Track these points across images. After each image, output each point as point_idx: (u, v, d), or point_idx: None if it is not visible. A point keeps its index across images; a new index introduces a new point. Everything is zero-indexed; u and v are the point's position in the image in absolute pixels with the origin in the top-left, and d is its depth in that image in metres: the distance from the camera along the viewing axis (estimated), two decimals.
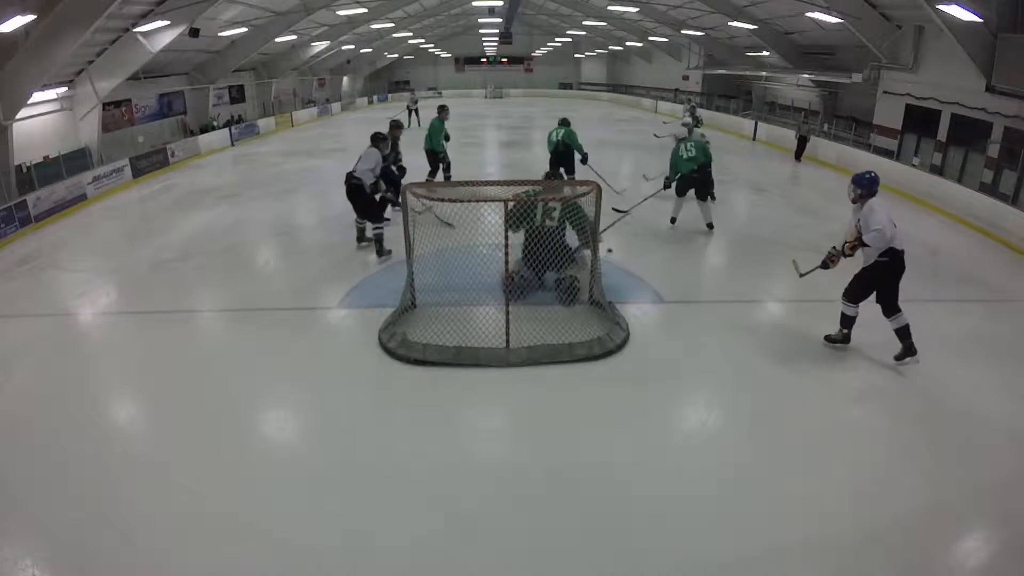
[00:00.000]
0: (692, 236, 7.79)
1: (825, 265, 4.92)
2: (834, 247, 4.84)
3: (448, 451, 3.67)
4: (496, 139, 17.50)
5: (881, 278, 4.58)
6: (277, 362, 4.78)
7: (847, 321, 4.84)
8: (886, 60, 12.33)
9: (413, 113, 20.05)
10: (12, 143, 9.83)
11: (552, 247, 5.36)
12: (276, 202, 10.08)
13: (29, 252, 7.90)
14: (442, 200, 4.97)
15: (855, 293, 4.73)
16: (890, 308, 4.59)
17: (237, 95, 20.94)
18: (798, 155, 13.89)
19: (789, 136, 15.41)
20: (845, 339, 4.91)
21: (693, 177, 7.61)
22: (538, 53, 38.24)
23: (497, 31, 25.19)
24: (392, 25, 23.22)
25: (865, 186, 4.73)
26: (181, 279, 6.61)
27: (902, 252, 4.53)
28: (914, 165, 11.04)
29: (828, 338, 4.97)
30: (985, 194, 8.94)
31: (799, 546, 2.92)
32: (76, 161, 11.49)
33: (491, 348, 4.65)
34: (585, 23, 26.19)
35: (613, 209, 7.20)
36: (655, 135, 16.21)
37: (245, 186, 11.68)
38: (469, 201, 4.87)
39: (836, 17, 11.58)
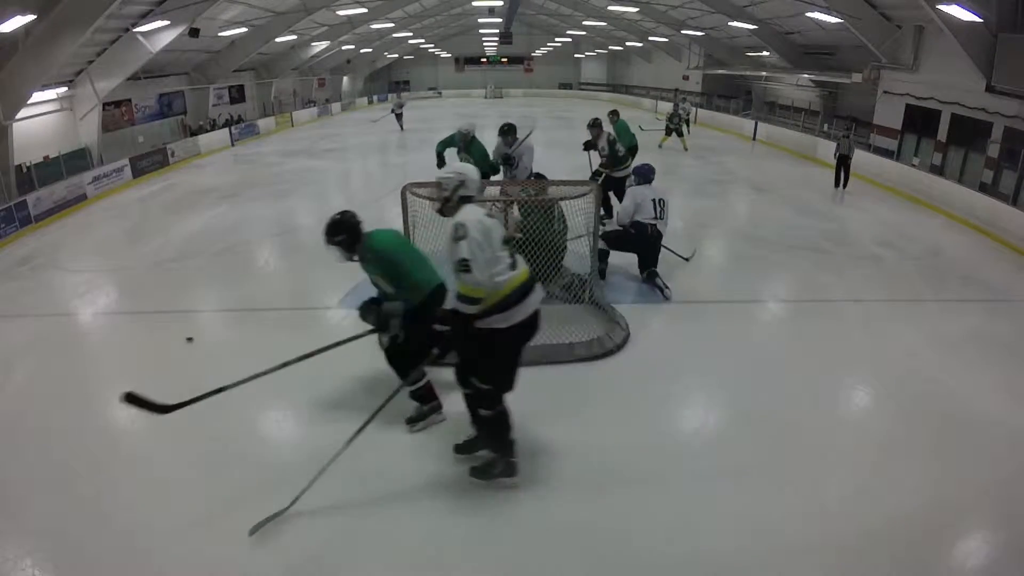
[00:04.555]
0: (691, 236, 7.79)
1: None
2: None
3: (447, 451, 3.67)
4: (496, 139, 17.42)
5: (628, 243, 5.89)
6: (276, 362, 4.77)
7: (601, 255, 5.80)
8: (886, 60, 12.32)
9: (398, 119, 19.37)
10: (12, 143, 9.84)
11: (558, 254, 5.32)
12: (276, 202, 10.08)
13: (29, 252, 7.90)
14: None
15: (608, 238, 5.83)
16: (644, 269, 5.99)
17: (237, 95, 20.94)
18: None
19: (789, 136, 15.38)
20: (600, 273, 5.83)
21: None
22: (538, 53, 38.21)
23: (497, 31, 25.21)
24: (392, 25, 23.22)
25: (640, 175, 5.98)
26: (181, 279, 6.61)
27: (652, 232, 5.77)
28: (914, 165, 11.04)
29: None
30: (985, 194, 8.94)
31: (799, 546, 2.92)
32: (76, 161, 11.51)
33: None
34: (585, 23, 26.18)
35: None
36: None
37: (245, 186, 11.68)
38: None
39: (836, 17, 11.58)
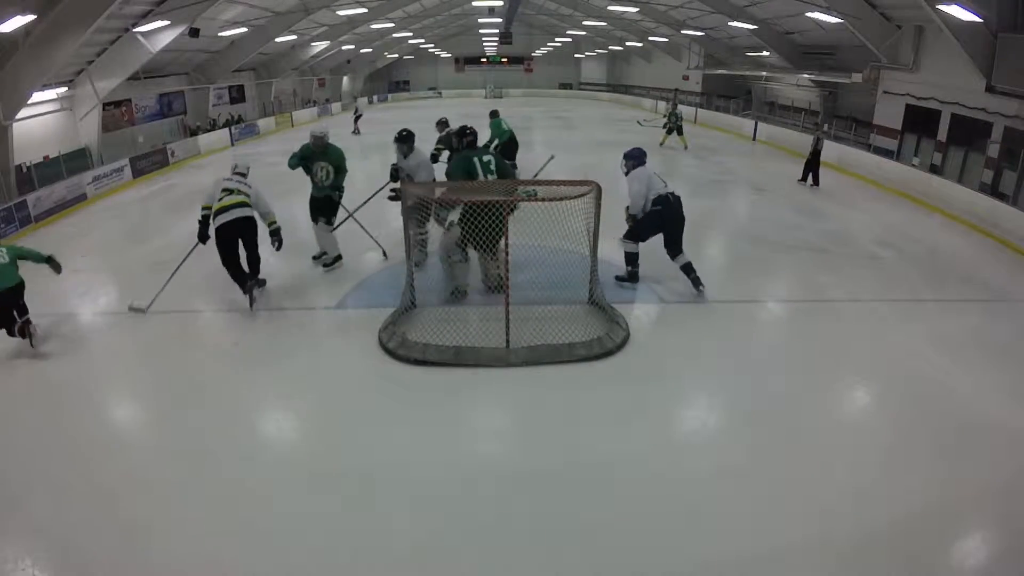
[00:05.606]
0: (692, 236, 7.78)
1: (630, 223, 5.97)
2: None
3: (448, 451, 3.67)
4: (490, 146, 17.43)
5: (658, 222, 5.76)
6: (277, 362, 4.78)
7: (630, 258, 5.96)
8: (886, 60, 12.32)
9: (357, 120, 19.55)
10: (12, 143, 9.83)
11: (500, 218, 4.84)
12: (276, 202, 9.97)
13: None
14: (442, 200, 4.98)
15: (634, 234, 5.88)
16: (673, 251, 5.85)
17: (237, 95, 20.93)
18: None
19: (789, 136, 15.37)
20: (633, 277, 5.98)
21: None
22: (538, 53, 38.22)
23: (497, 31, 25.21)
24: (392, 25, 23.22)
25: (631, 158, 5.92)
26: (181, 279, 6.59)
27: (674, 200, 5.73)
28: (914, 165, 11.04)
29: (618, 278, 6.00)
30: (985, 194, 8.94)
31: (799, 546, 2.92)
32: (76, 161, 11.50)
33: (491, 348, 4.65)
34: (585, 23, 26.18)
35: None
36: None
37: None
38: (469, 201, 4.87)
39: (836, 17, 11.58)
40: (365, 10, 18.09)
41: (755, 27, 15.71)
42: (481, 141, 6.59)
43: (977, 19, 8.80)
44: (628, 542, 2.94)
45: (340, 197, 6.54)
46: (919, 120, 12.25)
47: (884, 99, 13.22)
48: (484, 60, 39.10)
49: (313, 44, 21.44)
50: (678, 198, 5.80)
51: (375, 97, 34.21)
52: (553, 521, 3.08)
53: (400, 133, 6.28)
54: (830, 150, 13.23)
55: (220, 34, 14.76)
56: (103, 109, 13.05)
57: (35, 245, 8.20)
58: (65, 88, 11.92)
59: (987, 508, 3.21)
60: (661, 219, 5.77)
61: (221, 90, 19.60)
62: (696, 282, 5.82)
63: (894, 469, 3.46)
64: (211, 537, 2.99)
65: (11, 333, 4.89)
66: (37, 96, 10.35)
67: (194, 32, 12.68)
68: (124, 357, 5.02)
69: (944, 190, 9.59)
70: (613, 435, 3.79)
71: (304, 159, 6.37)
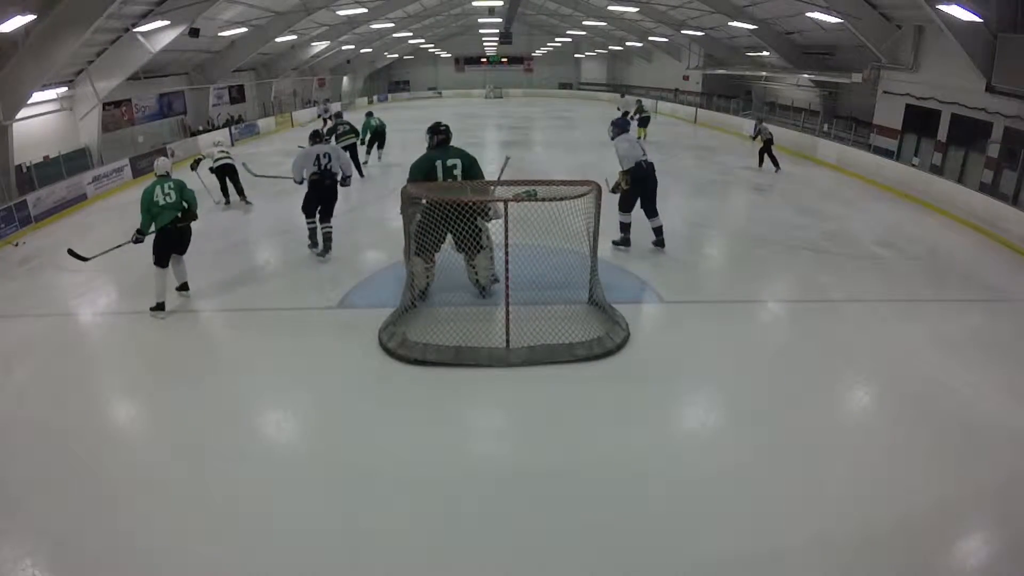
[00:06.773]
0: (692, 236, 7.80)
1: (614, 190, 6.60)
2: (618, 179, 6.66)
3: (448, 451, 3.67)
4: (496, 139, 17.51)
5: (637, 187, 6.60)
6: (277, 362, 4.79)
7: (624, 227, 6.90)
8: (886, 60, 12.33)
9: (325, 122, 19.41)
10: (12, 143, 9.83)
11: (467, 220, 4.93)
12: (276, 202, 10.08)
13: (29, 252, 7.90)
14: (440, 201, 4.98)
15: (624, 204, 6.77)
16: (649, 212, 6.82)
17: (237, 95, 20.93)
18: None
19: (790, 136, 15.40)
20: (626, 242, 6.91)
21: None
22: (538, 53, 38.22)
23: (497, 31, 25.17)
24: (392, 25, 23.21)
25: (617, 126, 6.92)
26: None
27: (648, 166, 6.59)
28: (914, 165, 11.04)
29: (615, 242, 6.83)
30: (985, 194, 8.94)
31: (799, 546, 2.92)
32: (76, 161, 11.51)
33: (491, 348, 4.65)
34: (585, 23, 26.17)
35: None
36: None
37: (245, 186, 11.65)
38: (469, 201, 4.87)
39: (836, 17, 11.58)
40: (365, 10, 18.10)
41: (755, 27, 15.71)
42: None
43: (977, 19, 8.80)
44: (628, 542, 2.94)
45: (140, 240, 5.72)
46: (919, 120, 12.25)
47: (884, 99, 13.22)
48: (484, 60, 39.08)
49: (313, 44, 21.44)
50: (651, 164, 6.68)
51: (375, 97, 34.17)
52: (553, 521, 3.08)
53: (311, 133, 7.04)
54: (830, 149, 13.28)
55: (220, 34, 14.77)
56: (103, 109, 13.04)
57: (35, 245, 8.26)
58: (65, 88, 11.91)
59: (987, 508, 3.21)
60: (639, 184, 6.62)
61: (221, 90, 19.59)
62: (660, 243, 6.91)
63: (894, 469, 3.46)
64: (211, 537, 2.99)
65: None
66: (37, 96, 10.34)
67: (194, 32, 12.67)
68: (124, 357, 5.02)
69: (944, 190, 9.60)
70: (613, 435, 3.79)
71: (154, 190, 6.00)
